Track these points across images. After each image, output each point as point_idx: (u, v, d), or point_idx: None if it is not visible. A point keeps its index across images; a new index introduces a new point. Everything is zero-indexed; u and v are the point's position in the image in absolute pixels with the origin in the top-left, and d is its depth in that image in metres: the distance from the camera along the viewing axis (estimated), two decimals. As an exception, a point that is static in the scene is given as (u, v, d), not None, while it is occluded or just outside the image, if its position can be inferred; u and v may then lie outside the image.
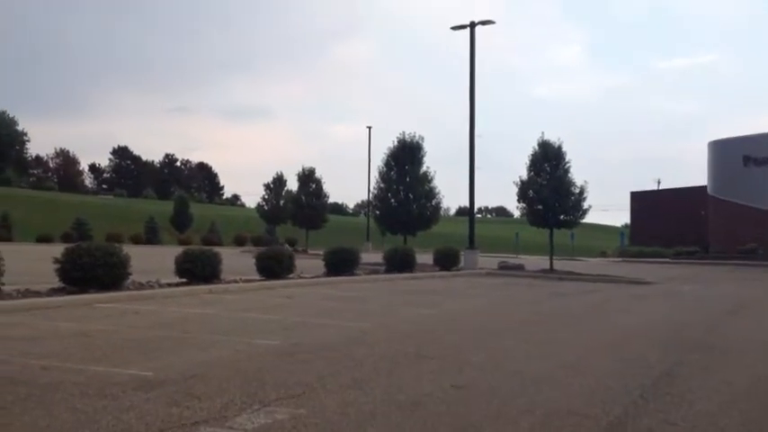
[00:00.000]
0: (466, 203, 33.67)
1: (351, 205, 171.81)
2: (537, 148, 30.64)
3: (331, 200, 56.53)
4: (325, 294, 16.84)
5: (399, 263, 25.69)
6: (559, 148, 30.44)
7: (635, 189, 77.39)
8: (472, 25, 31.83)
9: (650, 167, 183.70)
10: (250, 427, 5.18)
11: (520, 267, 31.18)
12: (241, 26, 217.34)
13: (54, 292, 13.35)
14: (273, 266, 19.29)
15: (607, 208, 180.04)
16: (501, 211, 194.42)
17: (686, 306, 17.85)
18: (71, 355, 7.81)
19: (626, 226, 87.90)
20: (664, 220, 65.83)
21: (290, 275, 19.85)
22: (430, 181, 32.82)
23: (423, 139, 33.02)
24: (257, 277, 19.03)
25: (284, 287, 18.10)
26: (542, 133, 30.74)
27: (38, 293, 12.93)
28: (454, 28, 32.43)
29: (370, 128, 61.20)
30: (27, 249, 38.41)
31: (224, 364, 7.49)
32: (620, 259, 56.21)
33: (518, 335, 11.04)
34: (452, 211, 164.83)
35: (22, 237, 56.72)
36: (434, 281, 23.95)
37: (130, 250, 15.82)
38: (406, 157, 32.43)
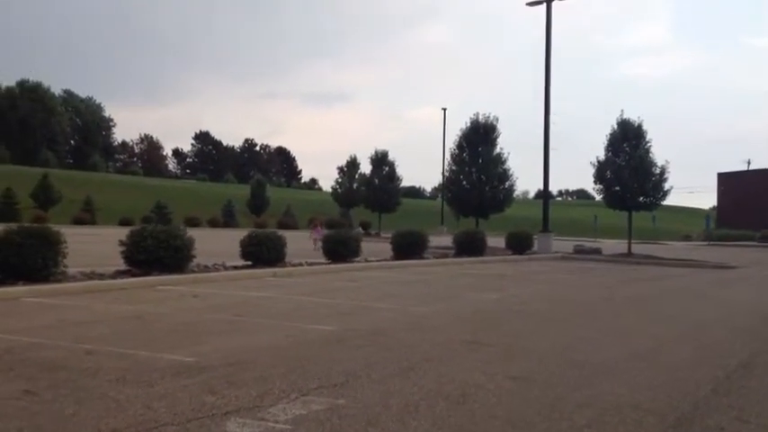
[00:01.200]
0: (544, 187, 32.77)
1: (428, 189, 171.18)
2: (615, 127, 29.56)
3: (409, 183, 56.47)
4: (390, 278, 16.54)
5: (469, 246, 25.19)
6: (639, 126, 29.30)
7: (723, 170, 74.47)
8: (548, 0, 30.77)
9: (739, 148, 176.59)
10: (283, 419, 4.90)
11: (596, 251, 30.18)
12: (322, 10, 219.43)
13: (118, 274, 13.45)
14: (339, 249, 19.15)
15: (693, 190, 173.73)
16: (581, 194, 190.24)
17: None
18: (120, 339, 7.73)
19: (713, 208, 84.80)
20: (753, 202, 63.01)
21: (357, 259, 19.67)
22: (503, 163, 32.16)
23: (497, 119, 32.36)
24: (323, 260, 18.91)
25: (349, 270, 17.92)
26: (621, 111, 29.66)
27: (101, 276, 13.03)
28: (530, 4, 31.32)
29: (444, 110, 60.48)
30: (106, 232, 39.44)
31: (270, 351, 7.27)
32: (705, 243, 54.08)
33: (586, 322, 10.48)
34: (531, 194, 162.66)
35: (107, 220, 58.59)
36: (505, 265, 23.35)
37: (205, 233, 15.92)
38: (479, 138, 31.83)
